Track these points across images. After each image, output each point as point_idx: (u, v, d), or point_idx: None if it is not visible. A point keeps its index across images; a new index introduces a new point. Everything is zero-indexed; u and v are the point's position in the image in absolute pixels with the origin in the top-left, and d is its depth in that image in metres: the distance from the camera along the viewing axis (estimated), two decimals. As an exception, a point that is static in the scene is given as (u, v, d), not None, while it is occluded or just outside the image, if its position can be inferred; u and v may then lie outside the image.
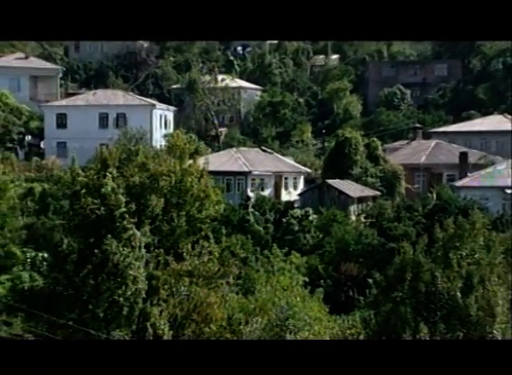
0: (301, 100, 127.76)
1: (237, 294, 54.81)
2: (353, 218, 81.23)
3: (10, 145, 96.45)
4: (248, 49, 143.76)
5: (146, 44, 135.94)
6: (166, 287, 51.33)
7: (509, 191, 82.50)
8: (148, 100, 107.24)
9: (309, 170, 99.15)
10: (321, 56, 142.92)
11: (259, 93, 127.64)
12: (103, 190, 51.09)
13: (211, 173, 64.23)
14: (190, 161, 58.94)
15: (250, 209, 77.43)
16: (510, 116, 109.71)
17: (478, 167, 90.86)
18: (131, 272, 49.16)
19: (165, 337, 50.08)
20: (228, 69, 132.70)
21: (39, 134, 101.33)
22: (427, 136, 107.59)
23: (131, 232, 50.42)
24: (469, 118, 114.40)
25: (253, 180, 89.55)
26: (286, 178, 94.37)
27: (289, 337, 49.84)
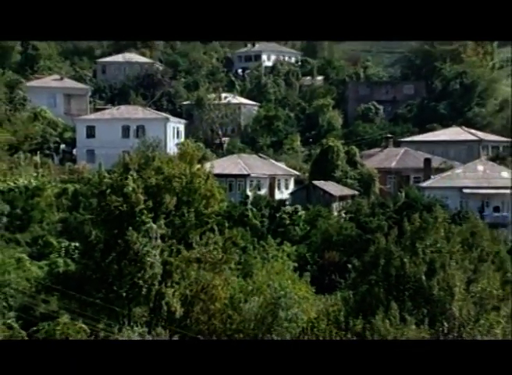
0: (292, 114, 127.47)
1: (238, 277, 54.76)
2: (335, 213, 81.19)
3: (48, 152, 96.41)
4: (247, 71, 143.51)
5: (161, 68, 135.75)
6: (178, 271, 51.30)
7: (465, 191, 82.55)
8: (163, 114, 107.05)
9: (298, 173, 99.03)
10: (308, 77, 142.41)
11: (256, 108, 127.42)
12: (125, 190, 51.09)
13: (216, 175, 64.19)
14: (198, 165, 58.86)
15: (249, 206, 77.40)
16: (466, 129, 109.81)
17: (439, 171, 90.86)
18: (149, 258, 49.15)
19: (178, 314, 49.99)
20: (230, 88, 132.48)
21: (71, 143, 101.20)
22: (397, 144, 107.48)
23: (149, 225, 50.43)
24: (432, 129, 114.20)
25: (251, 181, 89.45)
26: (278, 180, 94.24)
27: (281, 313, 49.82)
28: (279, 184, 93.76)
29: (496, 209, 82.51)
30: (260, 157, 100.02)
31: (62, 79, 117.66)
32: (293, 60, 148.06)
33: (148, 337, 45.76)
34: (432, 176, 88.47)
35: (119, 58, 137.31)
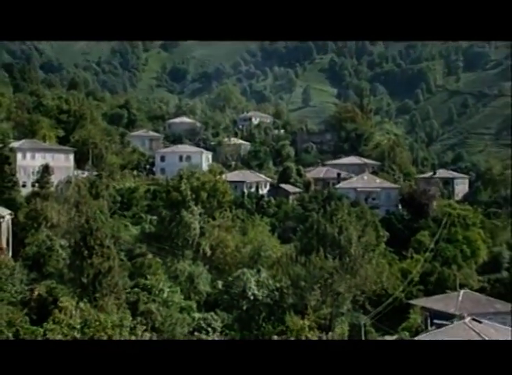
0: (268, 149, 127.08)
1: (239, 234, 54.79)
2: (291, 201, 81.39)
3: (140, 169, 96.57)
4: (244, 127, 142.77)
5: (199, 125, 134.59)
6: (208, 232, 51.40)
7: (358, 189, 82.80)
8: (200, 149, 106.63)
9: (271, 180, 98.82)
10: (276, 130, 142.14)
11: (249, 146, 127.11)
12: (180, 189, 51.12)
13: (228, 181, 64.24)
14: (219, 176, 59.02)
15: (245, 197, 77.46)
16: (359, 157, 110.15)
17: (344, 179, 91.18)
18: (192, 225, 49.25)
19: (208, 254, 49.89)
20: (235, 135, 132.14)
21: (152, 164, 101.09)
22: (323, 165, 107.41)
23: (193, 208, 50.52)
24: (340, 158, 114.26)
25: (246, 185, 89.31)
26: (261, 184, 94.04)
27: (263, 253, 49.84)
28: (261, 186, 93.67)
29: (374, 199, 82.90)
30: (251, 172, 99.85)
31: (147, 131, 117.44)
32: (268, 121, 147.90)
33: (193, 266, 45.68)
34: (341, 182, 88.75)
35: (177, 120, 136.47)
